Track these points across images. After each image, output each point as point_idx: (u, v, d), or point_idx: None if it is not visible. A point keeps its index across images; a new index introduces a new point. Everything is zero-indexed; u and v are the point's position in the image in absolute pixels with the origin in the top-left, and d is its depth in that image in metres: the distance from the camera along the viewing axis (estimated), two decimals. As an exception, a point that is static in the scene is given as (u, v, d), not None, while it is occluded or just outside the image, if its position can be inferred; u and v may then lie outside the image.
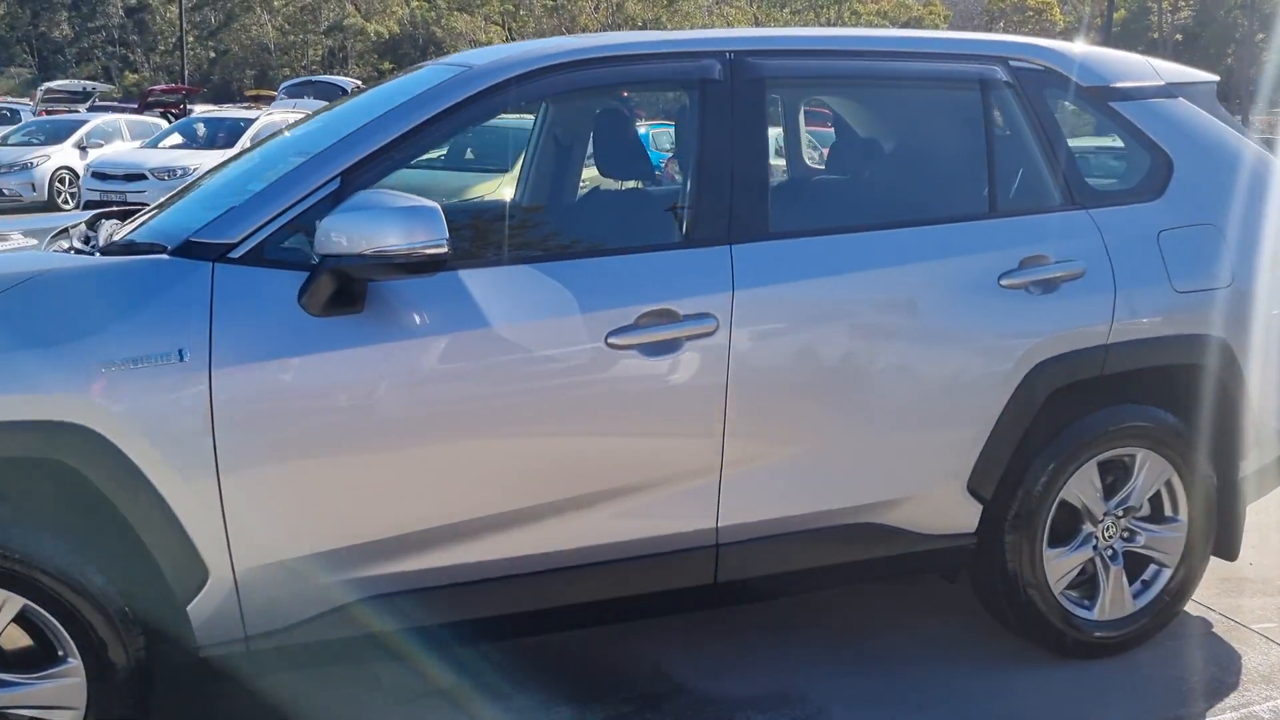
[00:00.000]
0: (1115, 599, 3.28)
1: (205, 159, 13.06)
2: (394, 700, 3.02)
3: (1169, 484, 3.28)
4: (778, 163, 3.53)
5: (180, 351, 2.34)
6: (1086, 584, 3.29)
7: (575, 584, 2.75)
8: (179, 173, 12.44)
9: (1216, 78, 3.59)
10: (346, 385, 2.45)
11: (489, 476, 2.58)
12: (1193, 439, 3.24)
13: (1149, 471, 3.24)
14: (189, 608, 2.42)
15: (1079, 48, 3.35)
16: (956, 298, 2.94)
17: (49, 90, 23.05)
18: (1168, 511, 3.32)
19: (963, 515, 3.06)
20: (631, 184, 3.30)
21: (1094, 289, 3.06)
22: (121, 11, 67.16)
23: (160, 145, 14.46)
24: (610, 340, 2.61)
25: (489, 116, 2.76)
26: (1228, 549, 3.43)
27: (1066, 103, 3.27)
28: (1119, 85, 3.28)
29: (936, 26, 53.85)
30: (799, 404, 2.82)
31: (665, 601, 2.87)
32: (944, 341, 2.94)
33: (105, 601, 2.34)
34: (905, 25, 51.68)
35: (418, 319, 2.50)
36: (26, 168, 16.05)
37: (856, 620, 3.51)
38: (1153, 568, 3.34)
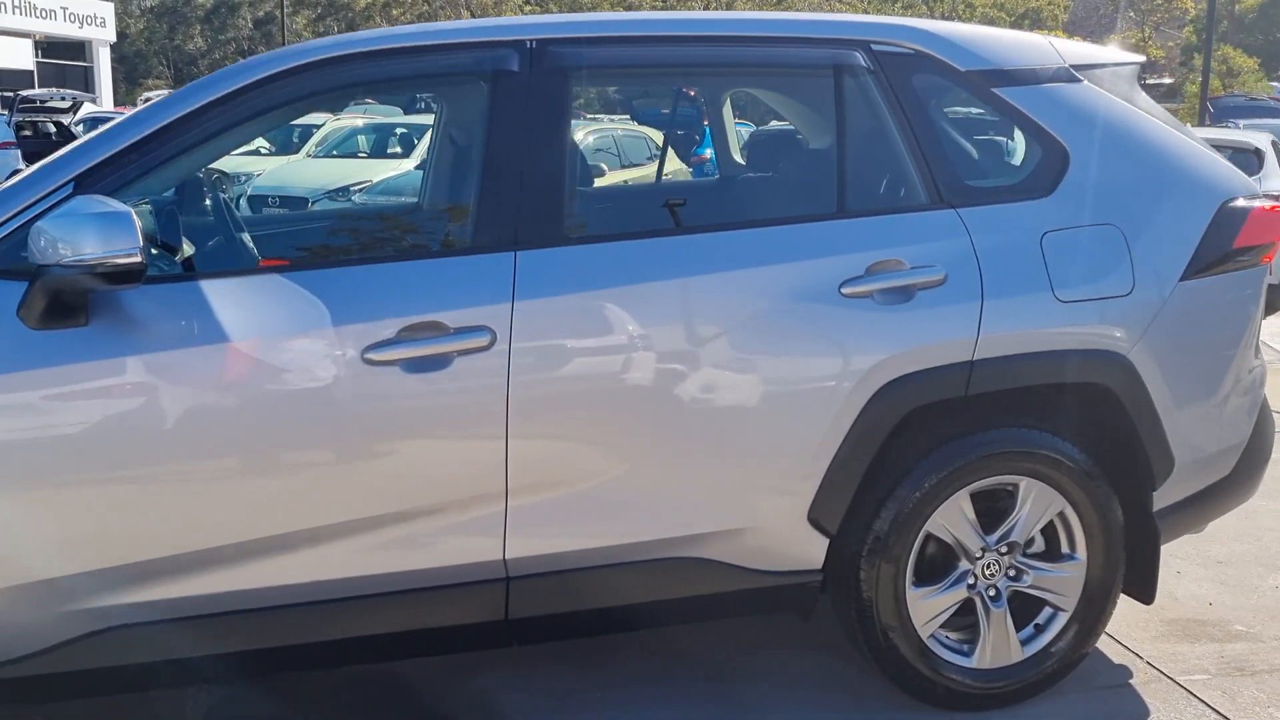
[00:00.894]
0: (998, 645, 2.91)
1: (269, 164, 13.27)
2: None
3: (1063, 517, 2.91)
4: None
5: (-118, 367, 2.22)
6: (970, 627, 2.94)
7: (352, 616, 2.55)
8: (242, 179, 12.68)
9: (1139, 58, 3.19)
10: (67, 403, 2.30)
11: (237, 501, 2.40)
12: (1089, 468, 2.86)
13: (1035, 503, 2.87)
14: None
15: (960, 28, 3.00)
16: (786, 308, 2.63)
17: (148, 100, 23.94)
18: (1064, 548, 2.94)
19: (804, 549, 2.75)
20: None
21: (956, 298, 2.72)
22: (250, 24, 69.75)
23: (233, 152, 14.78)
24: (368, 356, 2.40)
25: (252, 116, 2.56)
26: (1143, 591, 3.04)
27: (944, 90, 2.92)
28: (1005, 68, 2.92)
29: (1056, 17, 51.98)
30: (596, 427, 2.56)
31: (456, 637, 2.64)
32: (771, 357, 2.64)
33: None
34: (1023, 16, 50.04)
35: (152, 332, 2.33)
36: (116, 175, 16.56)
37: (718, 656, 3.21)
38: (1047, 610, 2.97)
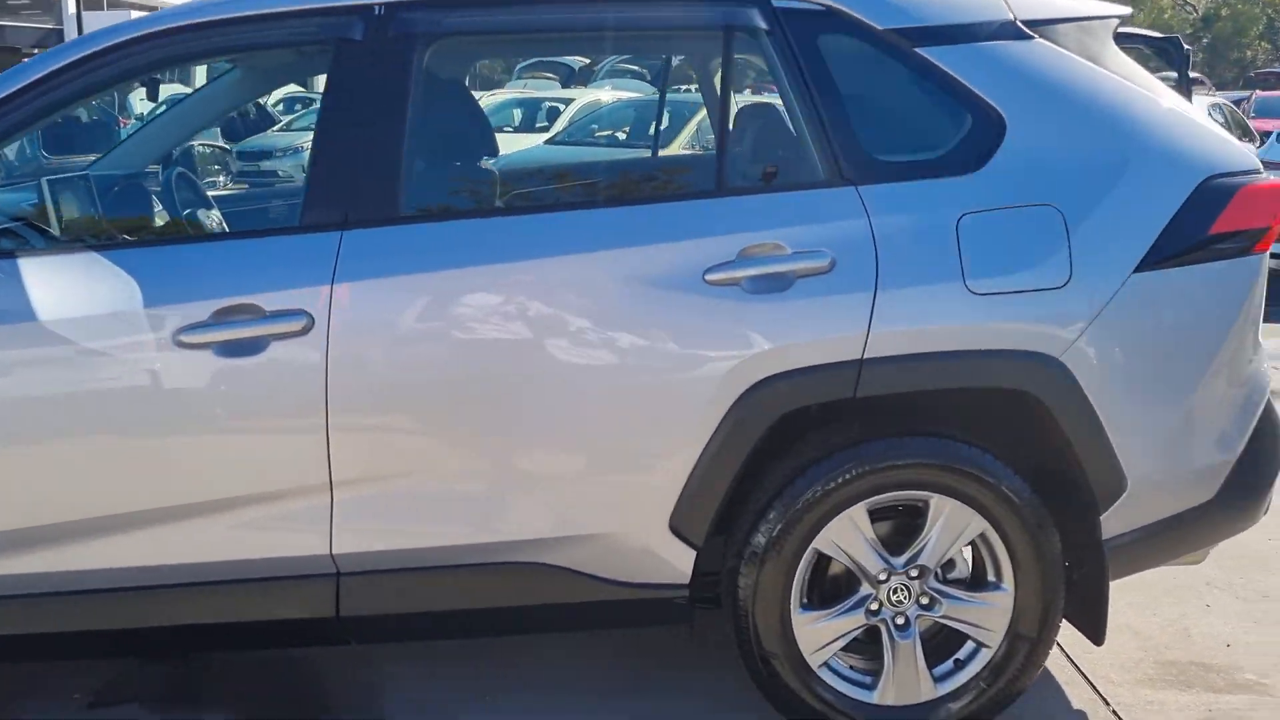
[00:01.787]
0: (904, 680, 2.58)
1: (521, 141, 13.05)
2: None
3: (985, 540, 2.55)
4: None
5: None
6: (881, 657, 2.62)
7: (183, 602, 2.48)
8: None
9: (1118, 10, 2.74)
10: None
11: (52, 483, 2.37)
12: (1014, 485, 2.48)
13: (948, 524, 2.52)
14: None
15: None
16: (639, 295, 2.38)
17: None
18: (989, 575, 2.58)
19: (668, 563, 2.50)
20: None
21: (843, 287, 2.40)
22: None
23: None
24: (180, 338, 2.32)
25: (83, 94, 2.50)
26: (1091, 628, 2.63)
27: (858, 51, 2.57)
28: (933, 25, 2.54)
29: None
30: (424, 420, 2.40)
31: (290, 631, 2.54)
32: (622, 349, 2.40)
33: None
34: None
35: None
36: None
37: (641, 667, 2.99)
38: (970, 645, 2.61)
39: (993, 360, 2.43)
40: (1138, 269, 2.46)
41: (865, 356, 2.40)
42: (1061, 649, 3.00)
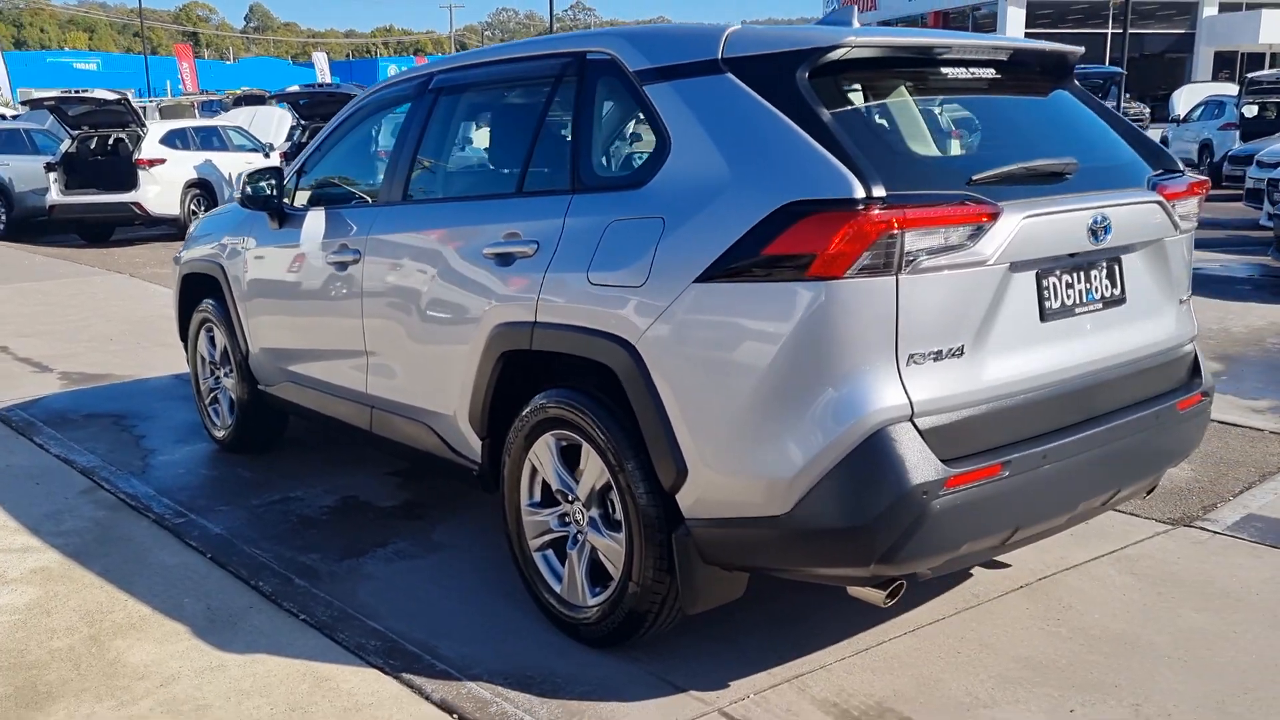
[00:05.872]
0: (570, 582, 3.31)
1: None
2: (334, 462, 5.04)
3: (613, 488, 3.11)
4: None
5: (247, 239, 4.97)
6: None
7: (332, 403, 4.45)
8: None
9: (822, 41, 2.82)
10: (276, 264, 4.71)
11: (318, 327, 4.48)
12: (616, 445, 3.03)
13: (592, 466, 3.17)
14: (248, 362, 5.07)
15: (658, 29, 3.21)
16: (456, 259, 3.58)
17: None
18: (619, 517, 3.12)
19: (471, 443, 3.63)
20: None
21: (534, 268, 3.26)
22: None
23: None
24: (329, 259, 4.27)
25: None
26: (684, 597, 2.98)
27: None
28: (660, 65, 3.10)
29: None
30: (385, 320, 3.94)
31: (349, 431, 4.35)
32: (447, 294, 3.62)
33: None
34: None
35: (292, 231, 4.58)
36: None
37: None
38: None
39: (593, 338, 3.02)
40: (699, 279, 2.77)
41: (536, 320, 3.23)
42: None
